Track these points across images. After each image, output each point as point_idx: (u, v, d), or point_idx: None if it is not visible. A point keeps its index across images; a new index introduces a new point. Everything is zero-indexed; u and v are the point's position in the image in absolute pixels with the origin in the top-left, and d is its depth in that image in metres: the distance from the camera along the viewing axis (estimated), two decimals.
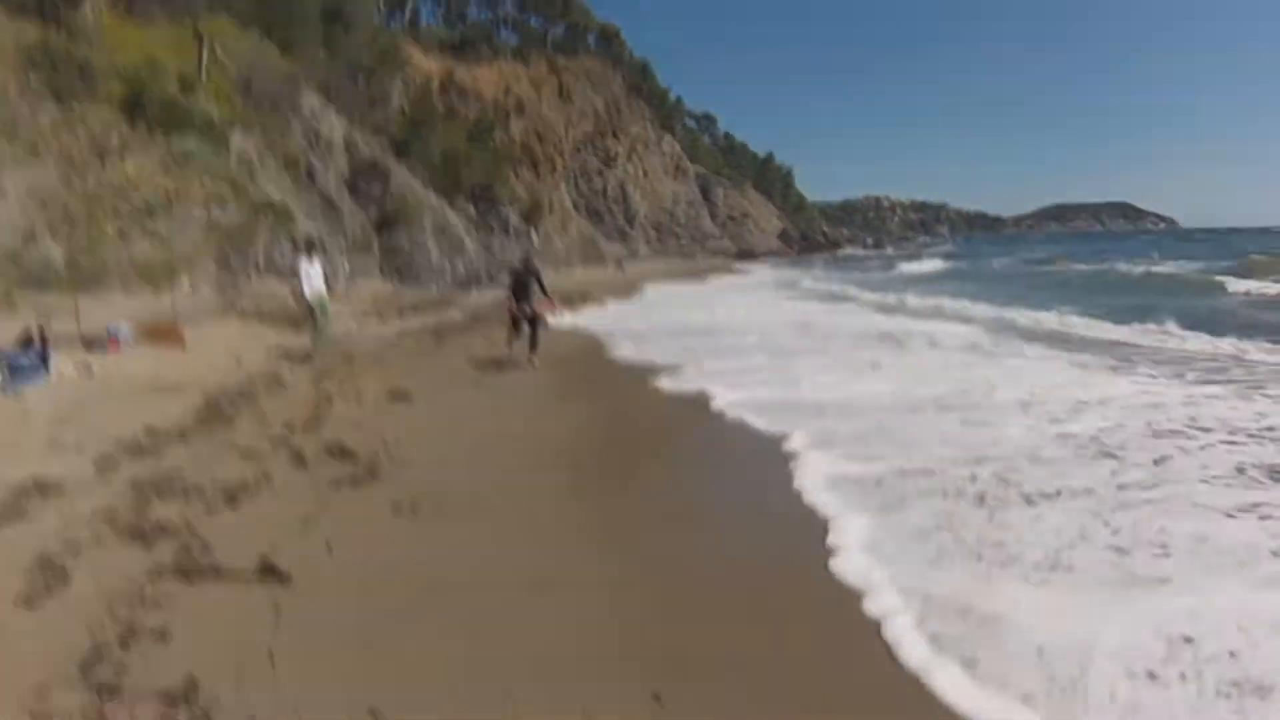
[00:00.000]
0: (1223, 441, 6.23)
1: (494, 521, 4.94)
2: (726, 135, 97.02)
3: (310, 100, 24.28)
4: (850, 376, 9.80)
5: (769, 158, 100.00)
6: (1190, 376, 9.15)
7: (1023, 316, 16.52)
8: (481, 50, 47.83)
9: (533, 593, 3.88)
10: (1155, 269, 31.91)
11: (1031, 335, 13.81)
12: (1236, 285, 22.18)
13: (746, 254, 63.37)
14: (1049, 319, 15.89)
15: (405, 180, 25.76)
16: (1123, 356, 10.92)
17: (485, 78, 43.61)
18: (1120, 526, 4.49)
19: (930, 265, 42.53)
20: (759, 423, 7.32)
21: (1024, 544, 4.27)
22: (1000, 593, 3.71)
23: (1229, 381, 8.88)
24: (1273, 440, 6.25)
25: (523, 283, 11.14)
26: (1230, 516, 4.64)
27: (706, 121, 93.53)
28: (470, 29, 54.19)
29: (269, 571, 3.98)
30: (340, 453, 6.26)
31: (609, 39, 67.78)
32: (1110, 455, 5.97)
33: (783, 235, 79.95)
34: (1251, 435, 6.44)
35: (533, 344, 11.07)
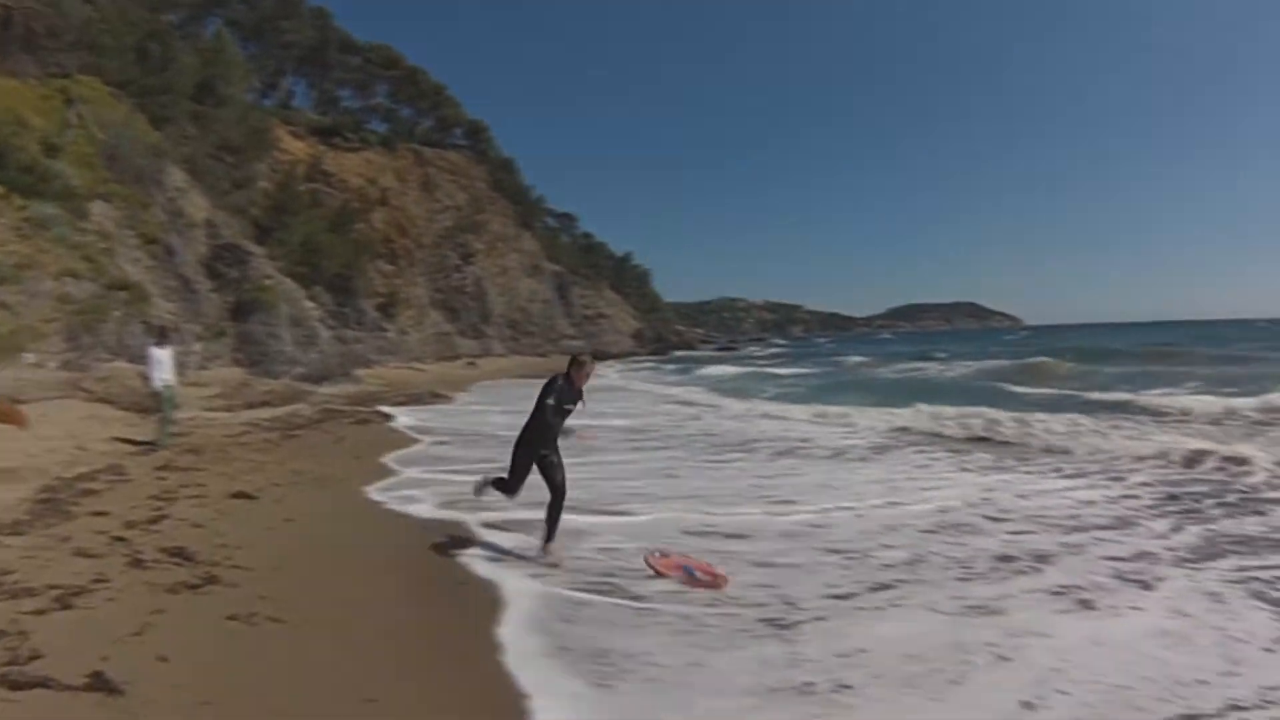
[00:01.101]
0: None
1: (331, 631, 4.87)
2: (585, 234, 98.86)
3: (175, 176, 24.00)
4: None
5: (626, 257, 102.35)
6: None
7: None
8: (350, 138, 48.19)
9: (362, 712, 3.87)
10: (949, 373, 32.94)
11: None
12: (1014, 389, 22.04)
13: (601, 354, 64.91)
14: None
15: (264, 266, 25.59)
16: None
17: (351, 166, 43.90)
18: None
19: (733, 369, 43.94)
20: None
21: None
22: None
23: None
24: None
25: (556, 412, 6.41)
26: None
27: (566, 220, 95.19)
28: (341, 116, 54.62)
29: (100, 684, 3.83)
30: (179, 555, 6.12)
31: (476, 134, 69.64)
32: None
33: (637, 335, 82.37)
34: None
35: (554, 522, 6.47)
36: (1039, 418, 14.19)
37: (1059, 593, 5.79)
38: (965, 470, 10.92)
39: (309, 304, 27.71)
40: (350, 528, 7.68)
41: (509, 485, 6.62)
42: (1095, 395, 18.67)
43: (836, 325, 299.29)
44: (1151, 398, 17.48)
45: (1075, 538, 7.30)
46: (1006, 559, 6.66)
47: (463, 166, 59.31)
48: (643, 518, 8.03)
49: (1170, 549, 6.93)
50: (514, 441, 6.57)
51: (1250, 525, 7.72)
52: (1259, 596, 5.71)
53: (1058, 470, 10.78)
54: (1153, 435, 12.42)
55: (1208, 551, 6.86)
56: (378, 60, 60.17)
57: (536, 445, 6.44)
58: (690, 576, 5.86)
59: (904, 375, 32.56)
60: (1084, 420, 13.82)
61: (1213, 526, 7.64)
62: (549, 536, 6.43)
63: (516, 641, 4.75)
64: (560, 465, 6.50)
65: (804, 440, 14.06)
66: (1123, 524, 7.78)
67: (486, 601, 5.47)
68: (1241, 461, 10.28)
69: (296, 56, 55.37)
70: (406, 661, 4.48)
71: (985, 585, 5.97)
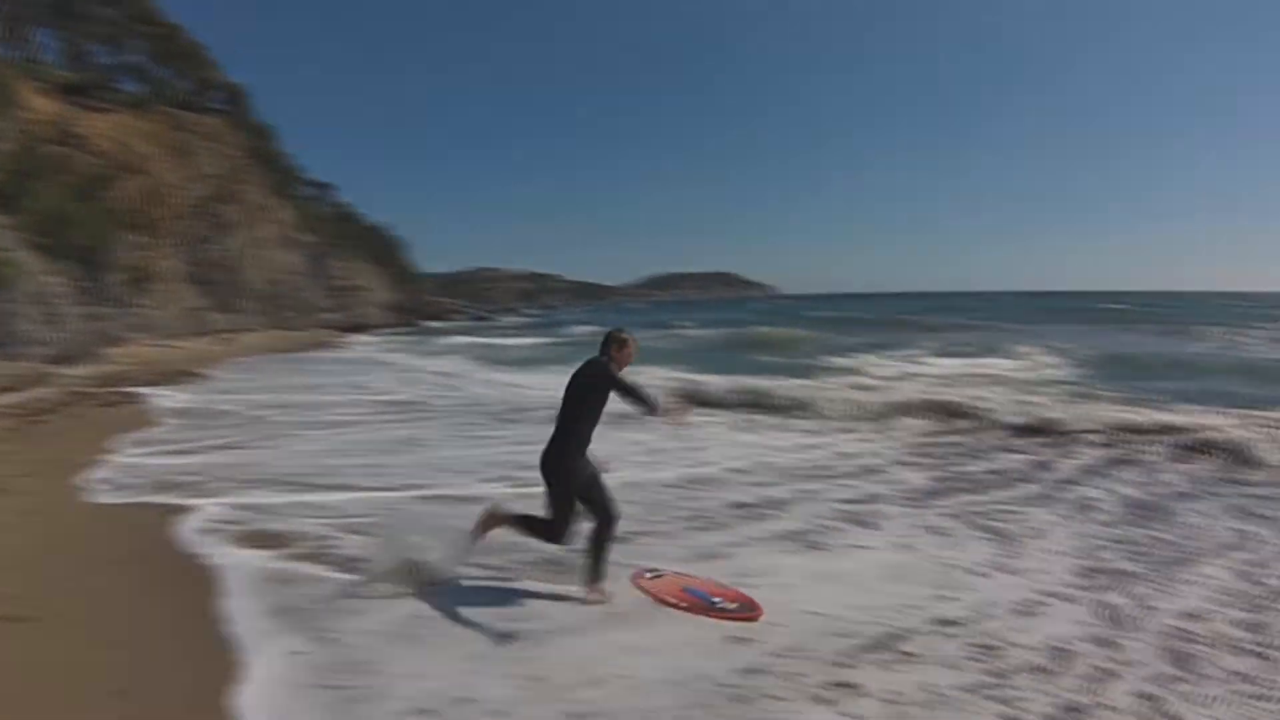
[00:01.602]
0: None
1: (75, 626, 4.84)
2: (342, 205, 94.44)
3: None
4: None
5: (382, 227, 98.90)
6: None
7: None
8: (101, 97, 44.32)
9: (112, 706, 3.90)
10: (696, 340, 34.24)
11: None
12: (757, 357, 23.97)
13: (358, 326, 63.61)
14: None
15: (3, 237, 24.14)
16: None
17: (102, 128, 40.61)
18: None
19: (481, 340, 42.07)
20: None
21: None
22: None
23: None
24: None
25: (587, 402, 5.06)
26: None
27: (323, 189, 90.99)
28: (92, 73, 49.68)
29: None
30: None
31: (235, 98, 65.59)
32: None
33: (392, 306, 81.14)
34: None
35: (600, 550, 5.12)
36: (780, 381, 15.07)
37: (789, 537, 6.35)
38: (715, 433, 11.57)
39: (53, 279, 26.36)
40: (91, 517, 7.44)
41: (553, 529, 5.00)
42: (830, 359, 20.77)
43: (594, 295, 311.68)
44: (880, 359, 20.41)
45: (814, 485, 8.11)
46: (742, 506, 7.30)
47: (220, 132, 56.06)
48: (367, 494, 8.14)
49: (904, 493, 7.82)
50: (543, 465, 4.97)
51: (974, 467, 9.09)
52: (978, 527, 6.60)
53: (799, 429, 11.77)
54: (889, 392, 13.85)
55: (935, 490, 7.90)
56: (133, 13, 55.22)
57: (575, 460, 4.95)
58: (709, 607, 4.81)
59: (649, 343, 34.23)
60: (817, 382, 15.17)
61: (942, 471, 8.80)
62: (598, 574, 5.08)
63: (248, 617, 4.93)
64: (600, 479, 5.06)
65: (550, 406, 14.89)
66: (863, 472, 8.76)
67: (211, 581, 5.61)
68: (959, 413, 12.04)
69: (44, 4, 49.92)
70: (149, 651, 4.50)
71: (719, 534, 6.47)
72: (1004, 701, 3.89)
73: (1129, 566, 5.78)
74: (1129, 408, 11.67)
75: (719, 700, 3.87)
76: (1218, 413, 11.06)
